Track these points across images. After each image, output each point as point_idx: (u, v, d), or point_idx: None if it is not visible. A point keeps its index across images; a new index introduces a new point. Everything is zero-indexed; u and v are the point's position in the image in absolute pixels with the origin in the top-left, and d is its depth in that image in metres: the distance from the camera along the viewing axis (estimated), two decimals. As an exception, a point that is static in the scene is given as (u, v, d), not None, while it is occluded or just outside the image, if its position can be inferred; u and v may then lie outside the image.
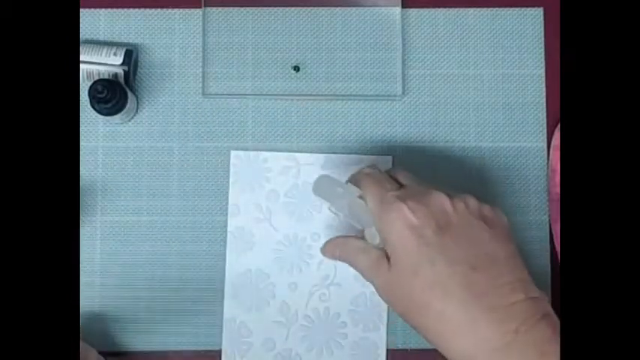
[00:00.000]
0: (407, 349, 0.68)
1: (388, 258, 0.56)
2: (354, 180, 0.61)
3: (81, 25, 0.69)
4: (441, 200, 0.55)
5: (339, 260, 0.62)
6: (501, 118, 0.69)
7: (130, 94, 0.66)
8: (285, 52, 0.70)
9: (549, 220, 0.69)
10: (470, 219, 0.55)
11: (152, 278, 0.68)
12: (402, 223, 0.54)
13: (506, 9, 0.70)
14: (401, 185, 0.59)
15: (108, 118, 0.65)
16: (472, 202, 0.56)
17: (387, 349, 0.68)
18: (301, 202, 0.68)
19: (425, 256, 0.54)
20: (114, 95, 0.63)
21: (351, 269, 0.68)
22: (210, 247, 0.68)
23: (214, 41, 0.70)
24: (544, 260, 0.68)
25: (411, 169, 0.62)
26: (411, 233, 0.54)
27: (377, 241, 0.58)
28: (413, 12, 0.70)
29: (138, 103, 0.69)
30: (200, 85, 0.69)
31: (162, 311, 0.68)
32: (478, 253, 0.54)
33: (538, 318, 0.52)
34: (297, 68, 0.69)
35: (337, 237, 0.62)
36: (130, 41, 0.69)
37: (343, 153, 0.69)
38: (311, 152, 0.69)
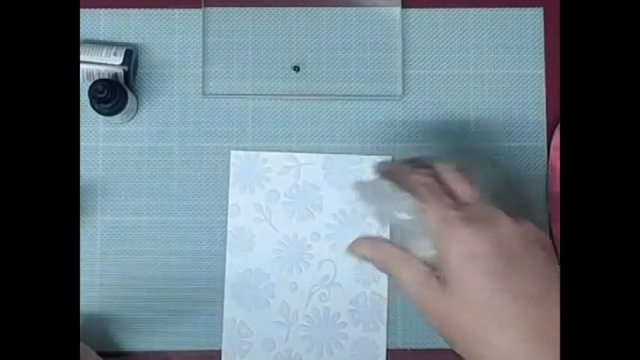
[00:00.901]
0: (407, 349, 0.68)
1: (439, 278, 0.53)
2: (409, 186, 0.56)
3: (81, 25, 0.69)
4: (507, 227, 0.53)
5: (370, 262, 0.58)
6: (501, 118, 0.69)
7: (130, 94, 0.66)
8: (285, 52, 0.70)
9: (549, 220, 0.69)
10: (533, 248, 0.53)
11: (152, 278, 0.68)
12: (468, 249, 0.51)
13: (506, 9, 0.70)
14: (455, 196, 0.55)
15: (108, 118, 0.65)
16: (532, 229, 0.54)
17: (387, 349, 0.68)
18: (301, 202, 0.68)
19: (489, 286, 0.51)
20: (114, 95, 0.63)
21: (351, 269, 0.68)
22: (210, 247, 0.68)
23: (214, 41, 0.70)
24: (544, 260, 0.68)
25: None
26: (475, 261, 0.51)
27: (422, 252, 0.54)
28: (413, 12, 0.70)
29: (138, 103, 0.69)
30: (200, 85, 0.69)
31: (162, 311, 0.68)
32: (541, 286, 0.52)
33: None
34: (297, 68, 0.69)
35: (369, 238, 0.59)
36: (130, 41, 0.69)
37: (343, 153, 0.69)
38: (311, 152, 0.69)
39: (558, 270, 0.53)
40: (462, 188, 0.56)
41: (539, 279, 0.52)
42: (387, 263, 0.56)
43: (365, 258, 0.58)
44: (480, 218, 0.53)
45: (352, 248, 0.58)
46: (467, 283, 0.51)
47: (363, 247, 0.58)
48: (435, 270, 0.53)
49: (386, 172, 0.58)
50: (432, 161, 0.57)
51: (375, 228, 0.68)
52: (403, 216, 0.56)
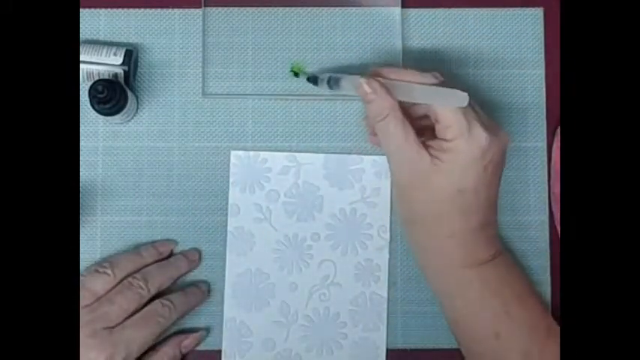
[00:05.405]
0: (407, 349, 0.68)
1: (428, 152, 0.59)
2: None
3: (81, 25, 0.69)
4: (503, 139, 0.60)
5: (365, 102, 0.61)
6: (501, 118, 0.69)
7: (130, 94, 0.66)
8: (285, 52, 0.70)
9: (549, 220, 0.69)
10: (505, 159, 0.61)
11: (152, 278, 0.68)
12: (480, 150, 0.58)
13: (506, 9, 0.70)
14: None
15: (108, 118, 0.65)
16: (506, 138, 0.61)
17: (387, 349, 0.68)
18: (301, 202, 0.68)
19: (477, 185, 0.59)
20: (114, 95, 0.63)
21: (351, 269, 0.68)
22: (210, 247, 0.68)
23: (214, 41, 0.70)
24: (544, 260, 0.68)
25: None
26: (481, 160, 0.58)
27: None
28: (413, 12, 0.70)
29: (138, 103, 0.69)
30: (200, 85, 0.69)
31: (163, 311, 0.67)
32: (497, 194, 0.62)
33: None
34: (296, 74, 0.69)
35: (379, 81, 0.60)
36: (130, 41, 0.69)
37: (343, 153, 0.69)
38: (311, 152, 0.69)
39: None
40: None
41: (498, 187, 0.62)
42: (383, 109, 0.60)
43: (364, 96, 0.60)
44: (490, 126, 0.59)
45: (361, 82, 0.60)
46: (461, 176, 0.59)
47: (372, 85, 0.60)
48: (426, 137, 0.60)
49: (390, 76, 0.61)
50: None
51: (375, 228, 0.68)
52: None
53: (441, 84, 0.60)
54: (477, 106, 0.60)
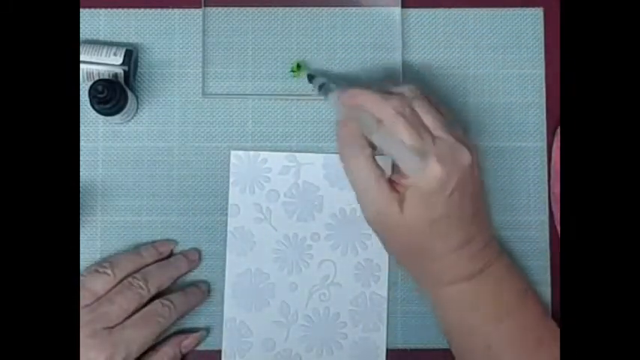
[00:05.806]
0: (407, 349, 0.68)
1: (398, 192, 0.58)
2: (385, 115, 0.59)
3: (81, 25, 0.69)
4: (467, 161, 0.58)
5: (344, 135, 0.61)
6: (501, 118, 0.69)
7: (130, 94, 0.66)
8: (285, 52, 0.70)
9: (549, 220, 0.69)
10: (476, 176, 0.60)
11: (152, 278, 0.68)
12: (438, 184, 0.57)
13: (506, 9, 0.70)
14: (423, 125, 0.59)
15: (108, 118, 0.65)
16: (476, 155, 0.60)
17: (387, 349, 0.68)
18: (301, 202, 0.68)
19: (446, 213, 0.58)
20: (114, 95, 0.63)
21: (351, 269, 0.68)
22: (210, 247, 0.68)
23: (214, 41, 0.70)
24: (544, 260, 0.68)
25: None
26: (441, 192, 0.57)
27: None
28: (413, 12, 0.70)
29: (138, 103, 0.69)
30: (200, 85, 0.69)
31: (163, 311, 0.67)
32: (475, 208, 0.60)
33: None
34: (297, 70, 0.69)
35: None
36: (130, 41, 0.69)
37: (343, 153, 0.69)
38: (311, 152, 0.69)
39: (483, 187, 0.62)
40: (430, 118, 0.59)
41: (475, 202, 0.60)
42: (345, 148, 0.61)
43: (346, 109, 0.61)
44: (450, 155, 0.58)
45: (342, 97, 0.61)
46: (427, 209, 0.58)
47: (350, 99, 0.60)
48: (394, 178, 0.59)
49: (354, 101, 0.60)
50: (397, 87, 0.61)
51: (375, 228, 0.68)
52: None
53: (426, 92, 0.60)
54: (443, 129, 0.59)
